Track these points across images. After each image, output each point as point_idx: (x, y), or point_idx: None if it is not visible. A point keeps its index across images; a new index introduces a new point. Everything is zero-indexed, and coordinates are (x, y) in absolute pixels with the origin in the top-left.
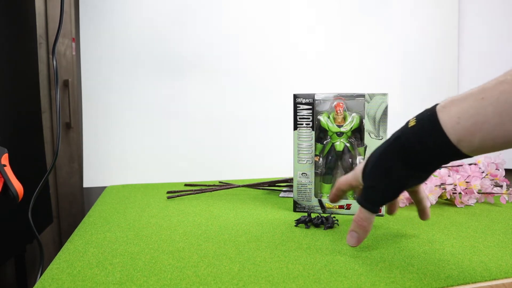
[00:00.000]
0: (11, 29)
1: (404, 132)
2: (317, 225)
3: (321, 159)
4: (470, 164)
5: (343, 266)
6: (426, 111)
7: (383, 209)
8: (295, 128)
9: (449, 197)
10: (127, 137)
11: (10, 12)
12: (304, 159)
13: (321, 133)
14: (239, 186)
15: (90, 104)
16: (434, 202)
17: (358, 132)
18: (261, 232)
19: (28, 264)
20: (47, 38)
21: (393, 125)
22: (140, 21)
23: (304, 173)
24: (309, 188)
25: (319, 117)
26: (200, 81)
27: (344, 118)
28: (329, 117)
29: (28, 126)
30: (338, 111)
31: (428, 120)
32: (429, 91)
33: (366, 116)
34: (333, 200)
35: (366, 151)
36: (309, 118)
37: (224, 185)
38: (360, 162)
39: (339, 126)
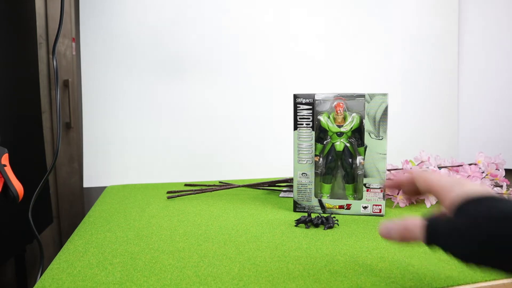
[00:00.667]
0: (11, 29)
1: None
2: (317, 225)
3: (321, 159)
4: (470, 164)
5: (343, 266)
6: None
7: (383, 209)
8: (295, 128)
9: None
10: (127, 137)
11: (10, 12)
12: (304, 159)
13: (321, 133)
14: (239, 186)
15: (90, 104)
16: (434, 202)
17: (358, 132)
18: (261, 232)
19: (28, 264)
20: (47, 38)
21: (393, 125)
22: (140, 21)
23: (304, 173)
24: (309, 188)
25: (319, 117)
26: (200, 81)
27: (344, 118)
28: (329, 117)
29: (28, 126)
30: (338, 111)
31: None
32: (429, 91)
33: (366, 116)
34: (389, 185)
35: (366, 151)
36: (309, 118)
37: (224, 185)
38: (360, 162)
39: (339, 126)
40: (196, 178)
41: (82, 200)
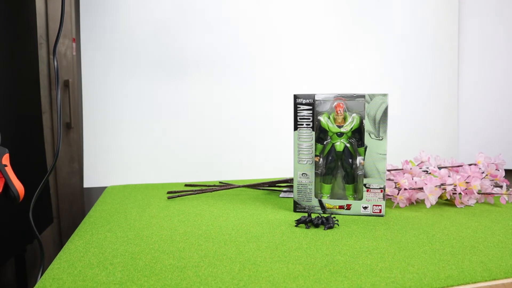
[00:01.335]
0: (12, 29)
1: None
2: (317, 226)
3: (321, 159)
4: (470, 165)
5: (343, 266)
6: None
7: (383, 209)
8: (296, 128)
9: (449, 198)
10: (127, 137)
11: (10, 12)
12: (304, 159)
13: (321, 134)
14: (239, 187)
15: (90, 104)
16: (434, 202)
17: (358, 133)
18: (262, 232)
19: (28, 264)
20: (48, 39)
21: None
22: (141, 22)
23: (305, 174)
24: (309, 189)
25: (319, 117)
26: (200, 82)
27: (344, 119)
28: (329, 118)
29: (29, 126)
30: (338, 112)
31: None
32: (429, 91)
33: (366, 117)
34: None
35: (366, 152)
36: (309, 119)
37: (225, 186)
38: (360, 162)
39: (339, 127)
40: (196, 178)
41: (82, 200)
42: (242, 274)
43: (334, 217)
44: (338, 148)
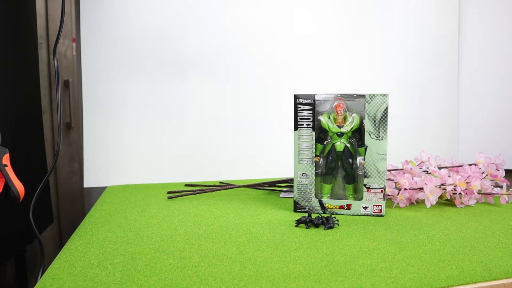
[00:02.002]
0: (12, 29)
1: None
2: (317, 226)
3: (321, 159)
4: (470, 165)
5: (343, 266)
6: None
7: (383, 209)
8: (296, 128)
9: (449, 198)
10: (127, 137)
11: (10, 12)
12: (304, 159)
13: (321, 134)
14: (239, 187)
15: (90, 104)
16: (434, 202)
17: (358, 133)
18: (262, 232)
19: (28, 264)
20: (48, 39)
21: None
22: (141, 22)
23: (305, 174)
24: (309, 189)
25: (319, 117)
26: (200, 81)
27: (345, 119)
28: (329, 118)
29: (29, 126)
30: (339, 112)
31: None
32: (429, 91)
33: (366, 117)
34: None
35: (366, 152)
36: (309, 119)
37: (225, 185)
38: (361, 162)
39: (340, 127)
40: (196, 178)
41: (82, 200)
42: (242, 274)
43: (334, 217)
44: (338, 148)
